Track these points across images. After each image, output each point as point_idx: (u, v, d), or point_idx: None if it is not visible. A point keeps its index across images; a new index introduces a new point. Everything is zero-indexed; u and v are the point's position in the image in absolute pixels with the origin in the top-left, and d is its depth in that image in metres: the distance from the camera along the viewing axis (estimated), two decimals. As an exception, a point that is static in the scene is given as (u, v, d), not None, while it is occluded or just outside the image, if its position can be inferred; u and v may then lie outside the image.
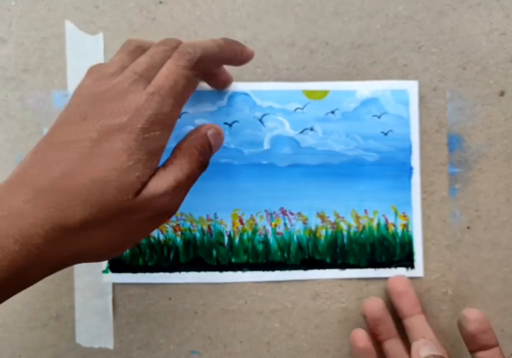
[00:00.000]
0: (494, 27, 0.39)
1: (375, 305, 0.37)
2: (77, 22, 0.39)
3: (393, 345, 0.37)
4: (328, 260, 0.39)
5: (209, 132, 0.32)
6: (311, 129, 0.39)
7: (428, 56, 0.39)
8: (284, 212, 0.39)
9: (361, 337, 0.37)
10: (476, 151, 0.39)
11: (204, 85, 0.38)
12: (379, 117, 0.39)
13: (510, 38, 0.39)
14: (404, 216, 0.39)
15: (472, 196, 0.39)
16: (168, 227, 0.38)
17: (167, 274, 0.39)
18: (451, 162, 0.39)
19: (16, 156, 0.39)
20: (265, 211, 0.39)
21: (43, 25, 0.39)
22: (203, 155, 0.31)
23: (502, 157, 0.39)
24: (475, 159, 0.39)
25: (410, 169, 0.39)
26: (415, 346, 0.35)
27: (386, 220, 0.39)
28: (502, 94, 0.39)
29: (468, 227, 0.39)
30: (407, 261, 0.39)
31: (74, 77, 0.39)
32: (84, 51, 0.39)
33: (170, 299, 0.39)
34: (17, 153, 0.38)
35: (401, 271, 0.39)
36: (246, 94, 0.39)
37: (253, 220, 0.39)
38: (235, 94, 0.39)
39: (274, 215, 0.39)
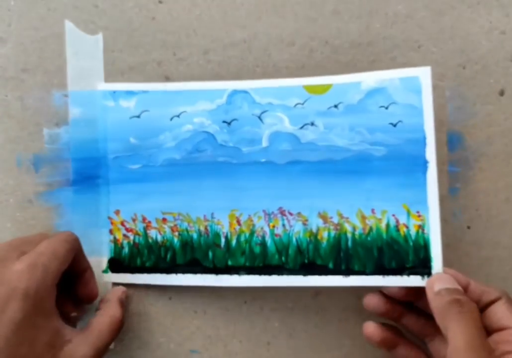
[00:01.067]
0: (494, 26, 0.39)
1: (375, 304, 0.36)
2: (76, 21, 0.39)
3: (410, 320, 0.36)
4: (330, 265, 0.36)
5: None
6: (312, 124, 0.37)
7: (428, 55, 0.39)
8: (282, 212, 0.37)
9: (373, 333, 0.35)
10: (476, 150, 0.39)
11: (203, 83, 0.38)
12: (386, 107, 0.36)
13: (510, 37, 0.39)
14: (419, 216, 0.35)
15: (472, 195, 0.39)
16: (166, 227, 0.38)
17: (164, 275, 0.38)
18: (451, 161, 0.39)
19: (16, 156, 0.39)
20: (263, 211, 0.37)
21: (43, 24, 0.39)
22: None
23: (502, 156, 0.39)
24: (475, 158, 0.39)
25: (424, 163, 0.35)
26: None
27: (397, 221, 0.36)
28: (502, 93, 0.39)
29: (469, 227, 0.39)
30: (423, 268, 0.35)
31: (74, 76, 0.39)
32: (84, 51, 0.39)
33: (170, 298, 0.39)
34: (17, 152, 0.39)
35: (415, 280, 0.35)
36: (245, 91, 0.38)
37: (251, 221, 0.37)
38: (234, 92, 0.38)
39: (272, 216, 0.37)
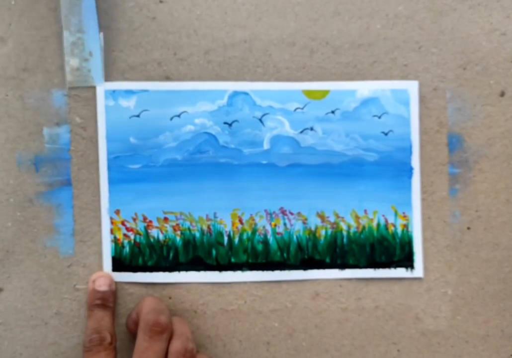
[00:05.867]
0: (494, 27, 0.40)
1: None
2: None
3: None
4: (327, 260, 0.40)
5: None
6: (311, 129, 0.40)
7: (429, 56, 0.40)
8: (283, 212, 0.40)
9: None
10: (476, 151, 0.40)
11: (204, 83, 0.40)
12: (379, 117, 0.40)
13: (510, 38, 0.40)
14: (404, 216, 0.40)
15: (472, 196, 0.40)
16: (167, 226, 0.40)
17: (167, 273, 0.40)
18: (451, 162, 0.40)
19: (16, 156, 0.40)
20: (265, 211, 0.40)
21: (43, 24, 0.39)
22: None
23: (502, 157, 0.40)
24: (475, 159, 0.40)
25: (410, 169, 0.40)
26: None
27: (386, 220, 0.40)
28: (502, 94, 0.40)
29: (468, 228, 0.40)
30: (407, 261, 0.40)
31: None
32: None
33: (170, 298, 0.40)
34: (17, 152, 0.39)
35: (400, 271, 0.40)
36: (246, 93, 0.40)
37: (253, 220, 0.40)
38: (235, 93, 0.40)
39: (273, 215, 0.40)
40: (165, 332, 0.36)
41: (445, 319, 0.40)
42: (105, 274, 0.39)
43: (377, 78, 0.40)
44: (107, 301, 0.38)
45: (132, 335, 0.38)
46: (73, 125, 0.40)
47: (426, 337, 0.41)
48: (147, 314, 0.36)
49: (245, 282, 0.40)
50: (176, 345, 0.36)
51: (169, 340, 0.36)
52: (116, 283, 0.40)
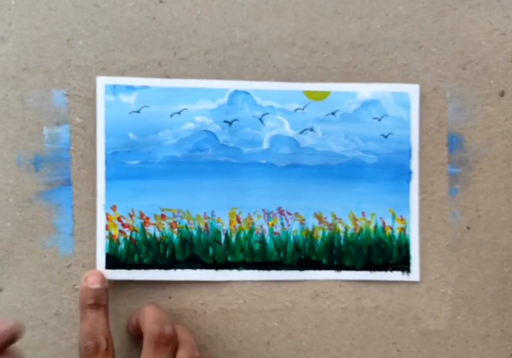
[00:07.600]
0: (495, 27, 0.40)
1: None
2: (77, 21, 0.40)
3: None
4: (324, 261, 0.40)
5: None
6: (311, 129, 0.40)
7: (429, 56, 0.40)
8: (281, 212, 0.40)
9: None
10: (476, 151, 0.40)
11: (205, 81, 0.40)
12: (379, 119, 0.40)
13: (510, 38, 0.40)
14: (402, 219, 0.40)
15: (472, 196, 0.40)
16: (165, 224, 0.39)
17: (163, 271, 0.39)
18: (451, 162, 0.40)
19: (16, 155, 0.40)
20: (263, 210, 0.40)
21: (43, 24, 0.40)
22: None
23: (502, 157, 0.40)
24: (475, 159, 0.40)
25: (409, 173, 0.40)
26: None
27: (383, 223, 0.40)
28: (502, 94, 0.40)
29: (468, 227, 0.40)
30: (403, 264, 0.40)
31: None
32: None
33: (170, 298, 0.40)
34: (17, 152, 0.39)
35: (396, 274, 0.40)
36: (247, 92, 0.40)
37: (251, 219, 0.40)
38: (236, 92, 0.40)
39: (271, 215, 0.40)
40: (170, 343, 0.35)
41: (445, 319, 0.40)
42: (97, 272, 0.39)
43: (377, 78, 0.40)
44: (100, 299, 0.37)
45: (133, 338, 0.38)
46: (73, 125, 0.40)
47: (426, 337, 0.40)
48: (151, 324, 0.35)
49: (245, 282, 0.40)
50: (183, 355, 0.35)
51: (175, 349, 0.36)
52: (116, 282, 0.40)
